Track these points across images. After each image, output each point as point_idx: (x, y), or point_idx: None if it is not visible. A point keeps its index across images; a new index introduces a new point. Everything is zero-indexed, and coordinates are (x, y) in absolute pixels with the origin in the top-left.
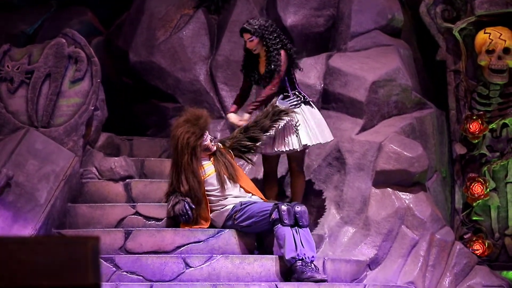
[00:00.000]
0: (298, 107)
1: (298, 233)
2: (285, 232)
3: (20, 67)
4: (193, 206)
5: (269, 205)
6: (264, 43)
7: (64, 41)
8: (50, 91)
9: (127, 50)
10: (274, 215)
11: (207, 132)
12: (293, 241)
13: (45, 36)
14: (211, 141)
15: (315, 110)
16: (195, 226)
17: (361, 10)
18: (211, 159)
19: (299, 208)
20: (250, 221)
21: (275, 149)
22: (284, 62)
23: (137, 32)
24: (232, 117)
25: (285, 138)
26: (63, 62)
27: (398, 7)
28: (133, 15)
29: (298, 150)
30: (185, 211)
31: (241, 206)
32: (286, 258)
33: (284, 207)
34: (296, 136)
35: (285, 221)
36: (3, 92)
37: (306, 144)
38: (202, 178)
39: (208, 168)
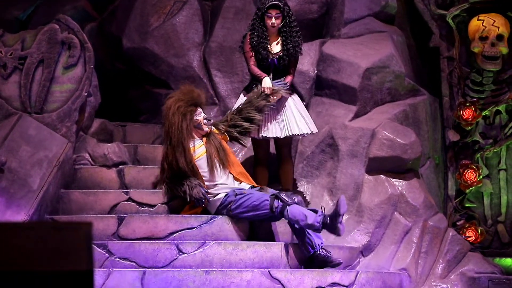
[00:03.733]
0: (286, 88)
1: None
2: (296, 207)
3: (13, 53)
4: (207, 190)
5: (265, 197)
6: (286, 22)
7: (57, 27)
8: (43, 77)
9: (121, 36)
10: (277, 204)
11: (200, 109)
12: (307, 209)
13: (38, 22)
14: (204, 119)
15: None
16: (193, 210)
17: None
18: (204, 140)
19: (296, 199)
20: (250, 214)
21: (287, 134)
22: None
23: (130, 18)
24: (269, 82)
25: (295, 122)
26: (56, 48)
27: None
28: (126, 1)
29: (306, 135)
30: (202, 195)
31: (235, 196)
32: (310, 222)
33: (282, 194)
34: (304, 121)
35: (289, 201)
36: None
37: (313, 132)
38: (193, 159)
39: (200, 149)
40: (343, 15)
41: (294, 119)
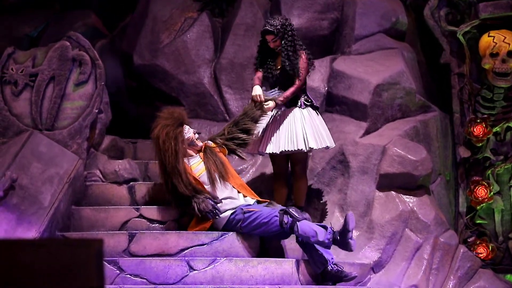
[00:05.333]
0: (279, 95)
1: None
2: (306, 223)
3: (24, 70)
4: (216, 201)
5: (275, 212)
6: (284, 41)
7: (68, 44)
8: (54, 94)
9: (131, 53)
10: (287, 219)
11: (187, 126)
12: (317, 225)
13: (49, 39)
14: (194, 133)
15: (320, 117)
16: (200, 226)
17: (365, 13)
18: (201, 155)
19: (304, 215)
20: (261, 229)
21: (282, 149)
22: (305, 63)
23: (141, 35)
24: (258, 89)
25: (292, 138)
26: (67, 65)
27: (402, 10)
28: (137, 18)
29: (305, 151)
30: (211, 207)
31: (243, 214)
32: (321, 239)
33: (291, 209)
34: (303, 137)
35: (299, 217)
36: (7, 95)
37: (312, 148)
38: (192, 180)
39: (199, 166)
40: (353, 31)
41: (295, 134)
